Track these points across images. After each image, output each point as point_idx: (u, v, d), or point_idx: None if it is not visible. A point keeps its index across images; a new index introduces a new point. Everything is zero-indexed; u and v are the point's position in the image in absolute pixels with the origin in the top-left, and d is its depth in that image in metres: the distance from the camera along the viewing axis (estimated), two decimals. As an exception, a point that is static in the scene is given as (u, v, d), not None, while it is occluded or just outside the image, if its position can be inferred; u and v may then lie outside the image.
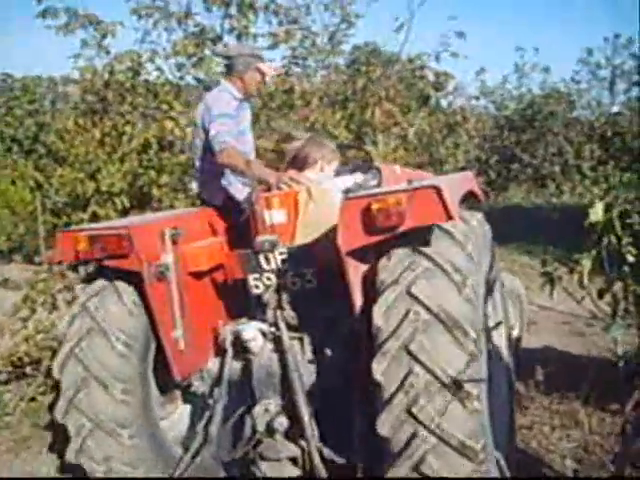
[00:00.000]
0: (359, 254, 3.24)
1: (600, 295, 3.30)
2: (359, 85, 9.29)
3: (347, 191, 4.05)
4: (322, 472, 3.42)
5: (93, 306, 3.62)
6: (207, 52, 9.16)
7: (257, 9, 9.03)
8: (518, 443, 4.08)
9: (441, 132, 9.98)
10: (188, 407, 4.15)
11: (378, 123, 8.78)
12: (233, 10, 8.96)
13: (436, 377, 2.86)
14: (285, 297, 3.79)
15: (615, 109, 20.52)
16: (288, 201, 3.89)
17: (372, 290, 3.17)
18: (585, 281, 3.32)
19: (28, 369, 5.65)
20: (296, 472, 3.57)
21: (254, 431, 3.64)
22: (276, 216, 3.88)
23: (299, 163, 4.26)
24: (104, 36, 8.69)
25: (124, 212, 8.67)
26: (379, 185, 4.27)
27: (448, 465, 2.83)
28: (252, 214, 3.91)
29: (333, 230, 3.43)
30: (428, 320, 2.92)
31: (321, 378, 3.67)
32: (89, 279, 3.81)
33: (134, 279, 3.62)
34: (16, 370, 5.74)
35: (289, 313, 3.77)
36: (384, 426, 2.94)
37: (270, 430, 3.59)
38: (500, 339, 3.95)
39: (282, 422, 3.59)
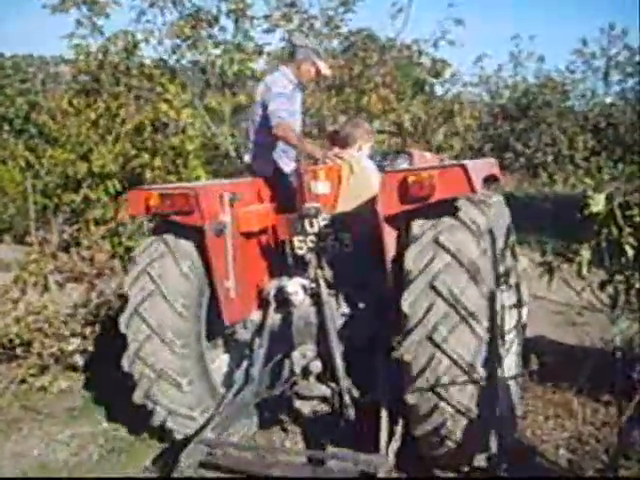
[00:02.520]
0: (394, 220, 3.82)
1: (602, 287, 3.27)
2: (355, 71, 9.24)
3: (381, 169, 4.67)
4: (351, 409, 3.92)
5: (154, 271, 4.14)
6: (203, 34, 9.08)
7: (254, -10, 8.92)
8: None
9: (437, 120, 9.92)
10: (230, 353, 4.69)
11: (374, 109, 8.72)
12: (230, -9, 8.84)
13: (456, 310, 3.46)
14: (325, 258, 4.37)
15: (609, 100, 20.43)
16: (332, 174, 4.49)
17: (402, 248, 3.75)
18: (584, 272, 3.28)
19: (19, 351, 5.62)
20: (327, 409, 4.07)
21: (292, 373, 4.15)
22: (321, 187, 4.48)
23: (341, 141, 4.81)
24: (98, 15, 8.56)
25: (116, 195, 8.59)
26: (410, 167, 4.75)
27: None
28: (299, 184, 4.43)
29: (369, 202, 4.15)
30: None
31: (352, 329, 4.20)
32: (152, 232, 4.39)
33: (193, 236, 4.15)
34: (6, 352, 5.72)
35: (328, 272, 4.35)
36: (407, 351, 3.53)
37: (306, 372, 4.11)
38: (511, 321, 4.38)
39: (317, 365, 4.10)
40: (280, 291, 4.33)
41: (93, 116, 8.73)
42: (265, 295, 4.45)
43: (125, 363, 4.18)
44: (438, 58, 9.78)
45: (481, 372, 3.43)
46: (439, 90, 11.41)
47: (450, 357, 3.45)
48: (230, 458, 3.74)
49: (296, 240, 4.44)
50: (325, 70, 5.27)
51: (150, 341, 4.11)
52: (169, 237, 4.20)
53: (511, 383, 4.04)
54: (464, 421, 3.48)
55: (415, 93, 10.07)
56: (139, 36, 9.11)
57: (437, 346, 3.46)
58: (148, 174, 8.68)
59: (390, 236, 3.85)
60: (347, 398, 3.93)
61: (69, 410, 5.22)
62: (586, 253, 3.29)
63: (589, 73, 20.32)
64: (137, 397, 4.20)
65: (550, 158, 18.68)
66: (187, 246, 4.21)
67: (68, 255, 6.42)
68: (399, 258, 3.78)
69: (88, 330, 5.71)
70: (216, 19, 9.12)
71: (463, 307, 3.45)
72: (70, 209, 8.91)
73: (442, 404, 3.49)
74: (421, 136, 9.76)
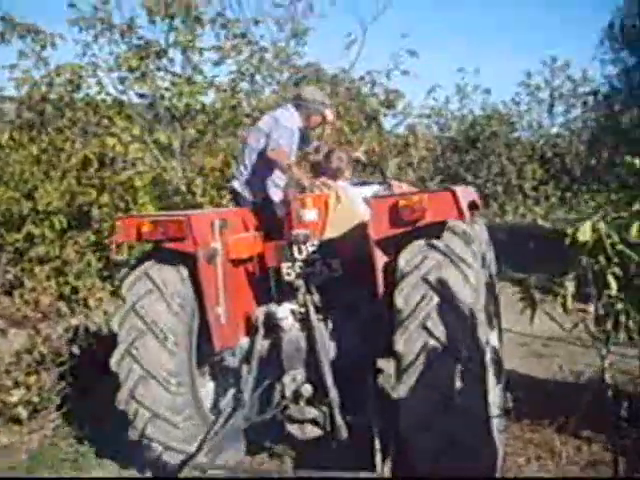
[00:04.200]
0: (384, 244, 3.95)
1: (598, 320, 3.08)
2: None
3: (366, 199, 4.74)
4: (343, 431, 4.01)
5: (142, 310, 4.15)
6: (151, 66, 8.81)
7: (204, 22, 8.70)
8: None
9: (391, 152, 9.81)
10: (217, 381, 4.73)
11: (329, 140, 8.53)
12: (178, 23, 8.60)
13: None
14: (313, 283, 4.44)
15: (554, 130, 20.78)
16: (319, 202, 4.59)
17: (392, 276, 3.85)
18: (569, 305, 3.09)
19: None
20: (319, 432, 4.18)
21: (283, 397, 4.25)
22: (309, 214, 4.57)
23: (329, 173, 4.99)
24: (43, 47, 8.24)
25: (62, 232, 8.19)
26: None
27: None
28: (288, 211, 4.64)
29: (357, 228, 4.39)
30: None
31: (342, 353, 4.29)
32: (142, 260, 4.39)
33: (182, 265, 4.24)
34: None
35: (316, 297, 4.41)
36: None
37: (296, 396, 4.22)
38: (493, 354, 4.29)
39: (307, 389, 4.21)
40: (269, 317, 4.39)
41: (36, 151, 8.36)
42: (254, 321, 4.49)
43: (119, 403, 4.20)
44: (391, 89, 9.69)
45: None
46: (392, 121, 11.33)
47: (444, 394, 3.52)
48: None
49: (284, 266, 4.52)
50: (330, 117, 5.59)
51: (144, 382, 4.13)
52: (155, 272, 4.23)
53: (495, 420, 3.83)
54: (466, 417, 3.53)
55: (369, 124, 9.95)
56: (85, 70, 8.76)
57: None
58: (95, 211, 8.33)
59: (381, 259, 3.98)
60: (339, 420, 4.01)
61: (10, 469, 4.79)
62: (571, 285, 3.11)
63: (534, 104, 20.73)
64: (132, 435, 4.24)
65: (500, 188, 18.81)
66: (175, 281, 4.24)
67: (10, 298, 6.05)
68: (390, 282, 3.90)
69: (32, 379, 5.31)
70: (164, 51, 8.85)
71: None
72: (14, 248, 8.47)
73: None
74: (375, 167, 9.62)
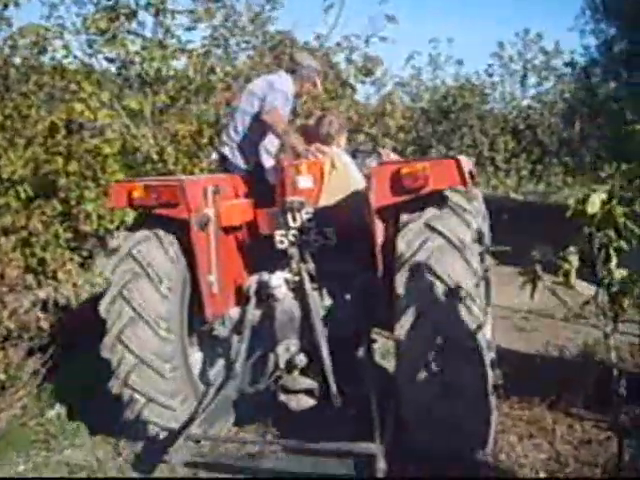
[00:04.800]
0: (385, 212, 3.89)
1: (612, 300, 2.93)
2: (284, 67, 8.78)
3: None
4: (338, 401, 3.88)
5: (139, 254, 4.06)
6: (121, 29, 8.44)
7: (176, -17, 8.36)
8: (486, 456, 3.71)
9: (368, 120, 9.58)
10: (205, 351, 4.64)
11: (305, 109, 8.30)
12: (149, -17, 8.24)
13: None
14: (308, 251, 4.35)
15: (526, 102, 20.71)
16: (314, 169, 4.50)
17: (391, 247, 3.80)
18: (572, 280, 2.95)
19: None
20: (312, 402, 4.07)
21: (276, 367, 4.18)
22: (303, 181, 4.48)
23: (320, 139, 4.83)
24: (5, 5, 7.81)
25: (28, 201, 7.86)
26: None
27: None
28: (282, 178, 4.54)
29: (353, 195, 4.37)
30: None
31: (336, 322, 4.21)
32: (133, 229, 4.28)
33: (176, 229, 4.12)
34: None
35: (311, 266, 4.31)
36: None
37: (290, 366, 4.14)
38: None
39: (301, 359, 4.14)
40: (261, 286, 4.32)
41: (0, 117, 7.98)
42: (245, 290, 4.42)
43: (104, 349, 4.08)
44: (370, 55, 9.44)
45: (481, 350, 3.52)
46: (368, 89, 11.10)
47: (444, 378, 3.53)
48: (219, 453, 3.89)
49: (277, 234, 4.42)
50: (320, 86, 5.58)
51: (133, 324, 4.02)
52: (141, 254, 4.10)
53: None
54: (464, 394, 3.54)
55: (344, 92, 9.71)
56: (51, 32, 8.36)
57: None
58: (62, 180, 8.00)
59: (380, 228, 3.91)
60: (334, 390, 3.90)
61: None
62: (574, 259, 2.96)
63: (507, 76, 20.61)
64: (114, 385, 4.09)
65: (472, 160, 18.70)
66: (162, 261, 4.12)
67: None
68: (389, 249, 3.84)
69: (-1, 355, 5.07)
70: (135, 13, 8.48)
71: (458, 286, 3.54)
72: (-24, 219, 8.11)
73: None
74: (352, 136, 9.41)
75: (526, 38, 19.62)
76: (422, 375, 3.59)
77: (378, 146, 5.50)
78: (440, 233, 3.64)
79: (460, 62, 20.42)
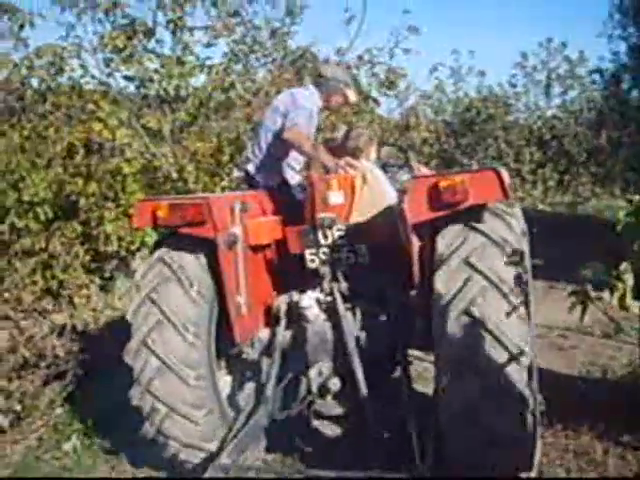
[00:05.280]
0: (421, 228, 3.69)
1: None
2: (306, 82, 8.59)
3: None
4: (375, 427, 3.72)
5: (159, 299, 3.88)
6: (138, 47, 8.31)
7: (194, -1, 8.21)
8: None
9: (392, 134, 9.35)
10: (234, 375, 4.42)
11: (329, 123, 8.09)
12: (167, 0, 8.09)
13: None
14: (340, 270, 4.21)
15: (551, 112, 20.40)
16: (345, 184, 4.31)
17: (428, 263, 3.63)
18: (628, 300, 2.67)
19: None
20: (347, 428, 3.91)
21: (308, 392, 4.02)
22: (334, 197, 4.28)
23: (348, 152, 4.71)
24: (21, 26, 7.71)
25: (47, 223, 7.72)
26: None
27: None
28: (312, 194, 4.33)
29: (386, 211, 4.22)
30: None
31: (371, 344, 4.05)
32: (157, 247, 4.14)
33: (200, 251, 3.98)
34: None
35: (343, 285, 4.18)
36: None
37: (323, 391, 3.99)
38: None
39: (335, 383, 3.99)
40: (291, 306, 4.20)
41: (18, 139, 7.86)
42: (275, 311, 4.29)
43: (127, 354, 3.92)
44: (393, 67, 9.21)
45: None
46: (390, 103, 10.87)
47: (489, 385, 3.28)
48: None
49: (308, 253, 4.29)
50: (353, 98, 5.28)
51: (161, 375, 3.83)
52: (173, 258, 3.97)
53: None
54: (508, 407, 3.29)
55: (367, 106, 9.49)
56: (67, 51, 8.24)
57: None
58: (82, 201, 7.86)
59: (417, 245, 3.73)
60: (371, 415, 3.74)
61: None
62: (630, 278, 2.68)
63: (530, 86, 20.32)
64: (148, 432, 3.93)
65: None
66: (194, 266, 3.98)
67: (-10, 296, 5.60)
68: (425, 266, 3.69)
69: (14, 385, 4.86)
70: (152, 31, 8.35)
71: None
72: (-2, 242, 7.99)
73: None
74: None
75: (550, 47, 19.38)
76: (465, 381, 3.33)
77: (408, 159, 5.22)
78: (481, 232, 3.47)
79: (482, 73, 20.18)
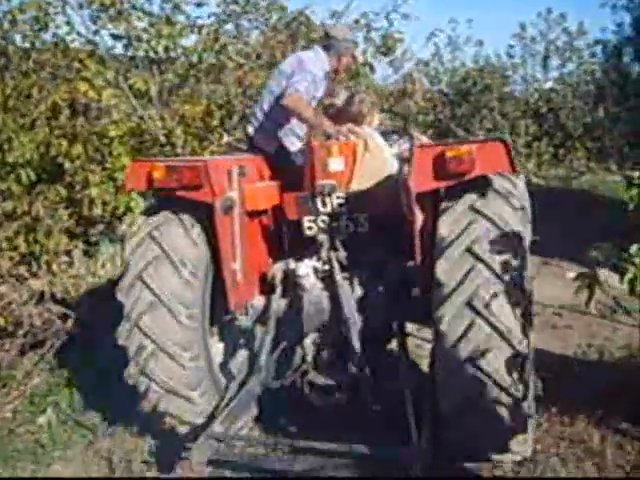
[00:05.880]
0: (425, 198, 3.63)
1: None
2: (299, 45, 8.31)
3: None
4: (370, 399, 3.63)
5: (160, 236, 3.80)
6: (126, 4, 7.98)
7: (184, -45, 7.87)
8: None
9: (388, 101, 9.08)
10: (227, 342, 4.35)
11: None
12: (156, -45, 7.77)
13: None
14: (338, 239, 4.14)
15: (548, 85, 20.13)
16: (346, 151, 4.22)
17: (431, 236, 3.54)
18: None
19: None
20: (341, 399, 3.80)
21: (303, 361, 3.95)
22: (334, 164, 4.19)
23: (350, 118, 4.56)
24: (3, -22, 7.37)
25: (30, 186, 7.46)
26: (411, 148, 4.31)
27: None
28: (311, 160, 4.22)
29: (387, 179, 4.13)
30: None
31: (368, 314, 3.98)
32: (150, 212, 3.99)
33: (198, 212, 3.85)
34: None
35: (341, 254, 4.12)
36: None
37: (318, 361, 3.94)
38: None
39: (331, 353, 3.94)
40: (287, 274, 4.13)
41: (0, 98, 7.56)
42: (270, 279, 4.22)
43: (120, 336, 3.81)
44: (390, 32, 8.90)
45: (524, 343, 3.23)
46: (389, 70, 10.58)
47: (492, 325, 3.24)
48: (244, 454, 3.62)
49: (306, 220, 4.19)
50: (361, 57, 5.42)
51: (153, 310, 3.76)
52: (162, 236, 3.84)
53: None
54: (504, 396, 3.25)
55: (363, 71, 9.20)
56: (52, 5, 7.90)
57: (478, 313, 3.25)
58: (67, 164, 7.60)
59: (419, 216, 3.66)
60: (366, 387, 3.68)
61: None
62: (641, 261, 2.49)
63: (528, 58, 20.00)
64: (131, 374, 3.82)
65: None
66: (184, 245, 3.86)
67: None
68: (427, 237, 3.63)
69: (-12, 353, 4.68)
70: (141, -13, 8.01)
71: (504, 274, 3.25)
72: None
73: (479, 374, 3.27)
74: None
75: (549, 18, 19.04)
76: (464, 370, 3.29)
77: (407, 127, 5.04)
78: (485, 216, 3.38)
79: (480, 43, 19.77)
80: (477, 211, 3.41)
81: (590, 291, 2.66)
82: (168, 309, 3.74)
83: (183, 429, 3.86)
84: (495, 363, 3.23)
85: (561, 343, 5.47)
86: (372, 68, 9.03)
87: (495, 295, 3.23)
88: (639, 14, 9.70)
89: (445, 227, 3.44)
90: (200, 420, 3.84)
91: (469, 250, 3.32)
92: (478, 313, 3.24)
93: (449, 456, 3.49)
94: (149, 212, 4.05)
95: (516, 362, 3.23)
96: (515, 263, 3.24)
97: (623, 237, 2.82)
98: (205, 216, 3.87)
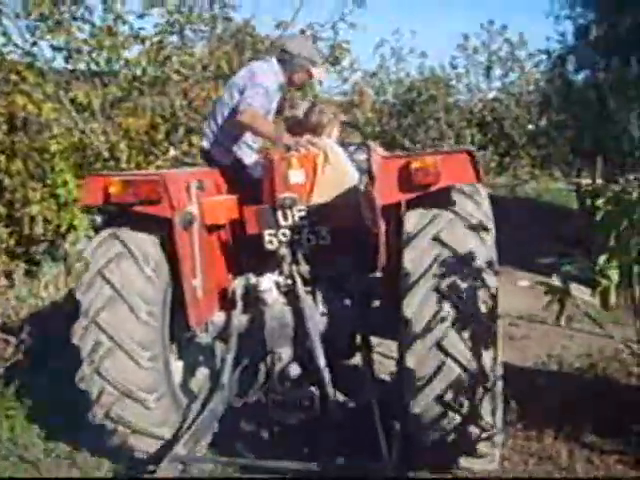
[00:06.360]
0: (391, 209, 3.61)
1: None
2: (246, 56, 8.17)
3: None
4: (337, 414, 3.61)
5: (112, 275, 3.68)
6: (66, 15, 7.74)
7: (125, -36, 7.66)
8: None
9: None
10: (186, 360, 4.25)
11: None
12: (96, -37, 7.54)
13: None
14: (300, 252, 4.07)
15: (492, 94, 20.42)
16: (306, 163, 4.16)
17: (398, 242, 3.54)
18: (613, 300, 2.40)
19: None
20: (308, 416, 3.72)
21: (267, 378, 3.89)
22: (294, 176, 4.12)
23: (310, 127, 4.49)
24: None
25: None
26: (369, 159, 4.37)
27: None
28: (270, 172, 4.15)
29: (349, 192, 4.09)
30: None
31: (332, 328, 3.96)
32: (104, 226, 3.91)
33: (155, 231, 3.77)
34: None
35: (304, 268, 4.06)
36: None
37: (283, 377, 3.87)
38: None
39: (295, 369, 3.88)
40: (248, 289, 4.05)
41: None
42: (231, 294, 4.13)
43: (75, 334, 3.68)
44: (338, 41, 8.83)
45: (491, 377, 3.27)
46: (334, 83, 10.52)
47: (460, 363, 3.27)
48: (207, 473, 3.56)
49: (266, 234, 4.08)
50: (319, 76, 5.16)
51: (112, 355, 3.63)
52: (126, 234, 3.76)
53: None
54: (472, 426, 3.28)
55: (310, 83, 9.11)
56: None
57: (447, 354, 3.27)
58: (7, 180, 7.31)
59: (383, 227, 3.66)
60: (332, 402, 3.63)
61: None
62: (614, 274, 2.41)
63: (471, 68, 20.27)
64: (96, 417, 3.69)
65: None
66: (148, 244, 3.78)
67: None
68: (392, 249, 3.64)
69: None
70: (81, -3, 7.78)
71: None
72: None
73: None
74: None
75: (491, 29, 19.36)
76: (431, 382, 3.32)
77: (365, 138, 4.93)
78: (450, 210, 3.42)
79: (424, 54, 20.09)
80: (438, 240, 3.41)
81: (561, 305, 2.56)
82: (128, 305, 3.65)
83: (136, 440, 3.75)
84: (468, 360, 3.27)
85: (520, 354, 5.42)
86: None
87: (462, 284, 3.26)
88: (581, 24, 9.86)
89: (410, 225, 3.47)
90: (154, 429, 3.74)
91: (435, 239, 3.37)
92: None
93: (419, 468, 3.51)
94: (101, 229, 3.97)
95: (485, 370, 3.25)
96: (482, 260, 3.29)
97: (572, 245, 2.76)
98: (162, 233, 3.81)
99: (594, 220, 2.73)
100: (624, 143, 8.18)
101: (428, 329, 3.29)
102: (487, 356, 3.29)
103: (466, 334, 3.27)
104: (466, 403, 3.25)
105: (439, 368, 3.30)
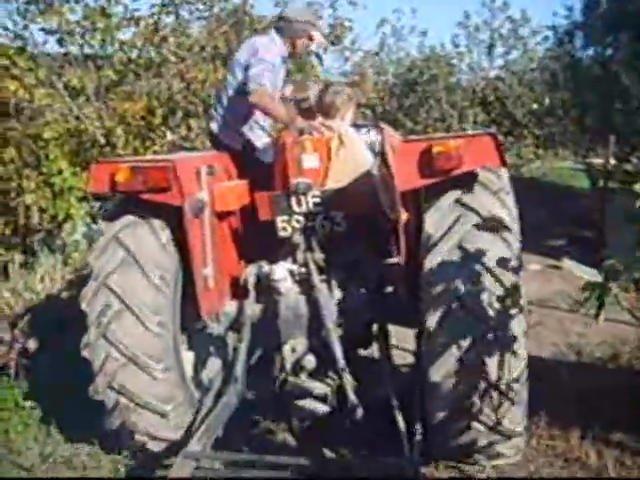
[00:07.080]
0: (410, 196, 3.50)
1: None
2: (244, 36, 7.91)
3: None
4: (356, 408, 3.42)
5: (125, 238, 3.57)
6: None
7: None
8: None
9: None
10: (197, 350, 4.09)
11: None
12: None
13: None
14: (314, 239, 3.94)
15: (494, 73, 20.15)
16: (321, 146, 3.99)
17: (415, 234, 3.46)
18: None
19: None
20: (324, 409, 3.59)
21: (281, 370, 3.75)
22: (309, 160, 3.97)
23: (323, 109, 4.28)
24: None
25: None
26: (382, 142, 4.25)
27: None
28: (283, 157, 4.00)
29: (363, 176, 3.87)
30: None
31: (348, 318, 3.83)
32: (112, 215, 3.70)
33: (167, 215, 3.62)
34: None
35: (318, 255, 3.93)
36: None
37: (298, 369, 3.71)
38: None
39: (310, 360, 3.70)
40: (261, 278, 3.90)
41: None
42: (243, 283, 3.97)
43: (85, 347, 3.55)
44: (338, 20, 8.56)
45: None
46: (335, 63, 10.25)
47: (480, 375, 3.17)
48: (224, 473, 3.33)
49: (279, 220, 3.94)
50: (320, 38, 4.90)
51: (120, 318, 3.49)
52: (129, 238, 3.58)
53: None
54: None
55: (310, 62, 8.89)
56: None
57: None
58: (0, 169, 7.12)
59: (404, 212, 3.50)
60: (351, 395, 3.45)
61: None
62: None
63: (473, 46, 19.99)
64: (98, 389, 3.55)
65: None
66: (153, 247, 3.61)
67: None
68: (411, 234, 3.53)
69: None
70: (74, -22, 7.52)
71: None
72: None
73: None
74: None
75: (492, 6, 19.08)
76: (455, 373, 3.22)
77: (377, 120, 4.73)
78: (473, 210, 3.27)
79: (424, 33, 19.91)
80: (464, 204, 3.30)
81: (599, 304, 2.34)
82: (141, 268, 3.53)
83: (138, 418, 3.59)
84: (489, 363, 3.17)
85: (535, 343, 5.18)
86: (320, 58, 8.69)
87: (487, 291, 3.14)
88: (589, -1, 9.58)
89: (432, 223, 3.33)
90: (159, 405, 3.59)
91: (459, 247, 3.23)
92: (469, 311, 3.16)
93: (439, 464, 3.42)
94: (111, 217, 3.75)
95: (510, 361, 3.18)
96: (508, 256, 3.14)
97: (583, 226, 2.53)
98: (173, 221, 3.65)
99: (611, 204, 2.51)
100: (638, 121, 7.92)
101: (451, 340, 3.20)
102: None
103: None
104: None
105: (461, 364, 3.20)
